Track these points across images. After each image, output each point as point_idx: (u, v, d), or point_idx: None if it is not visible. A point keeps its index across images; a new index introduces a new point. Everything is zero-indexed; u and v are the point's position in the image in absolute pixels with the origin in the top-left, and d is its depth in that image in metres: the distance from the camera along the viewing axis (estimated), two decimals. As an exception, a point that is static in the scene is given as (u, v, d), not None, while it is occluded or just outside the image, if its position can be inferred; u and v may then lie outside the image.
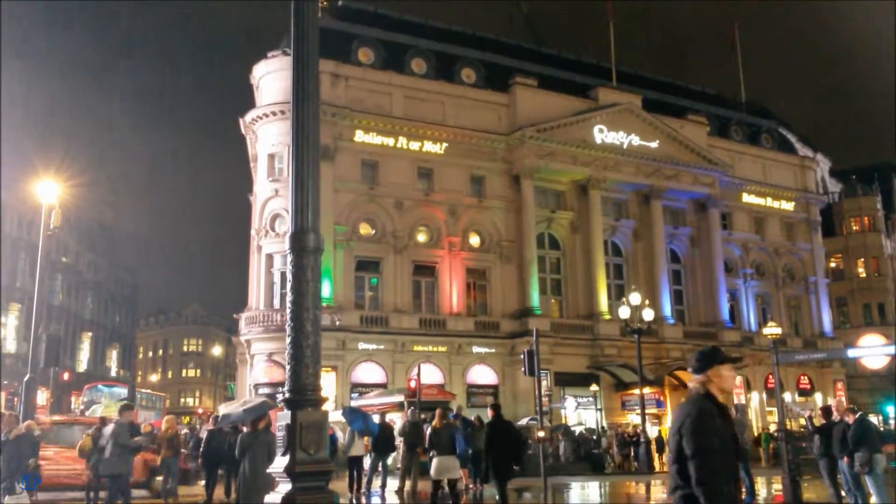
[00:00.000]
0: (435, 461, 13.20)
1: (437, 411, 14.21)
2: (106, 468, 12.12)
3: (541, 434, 20.27)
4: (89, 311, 62.36)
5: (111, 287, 68.83)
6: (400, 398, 26.80)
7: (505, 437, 12.88)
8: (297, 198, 6.58)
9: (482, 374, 35.83)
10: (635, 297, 30.25)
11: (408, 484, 17.06)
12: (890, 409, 46.76)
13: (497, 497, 12.85)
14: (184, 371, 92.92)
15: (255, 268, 35.55)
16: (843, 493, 12.45)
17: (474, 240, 37.30)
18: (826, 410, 13.91)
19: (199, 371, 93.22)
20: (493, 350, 35.77)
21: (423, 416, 19.61)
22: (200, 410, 67.68)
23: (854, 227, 57.66)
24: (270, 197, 34.81)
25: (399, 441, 18.46)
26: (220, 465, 15.57)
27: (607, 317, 37.49)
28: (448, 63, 38.63)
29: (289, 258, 6.55)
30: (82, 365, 58.70)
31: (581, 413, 36.95)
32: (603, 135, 39.59)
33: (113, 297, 69.32)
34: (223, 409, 12.41)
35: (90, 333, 61.45)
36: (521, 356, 21.33)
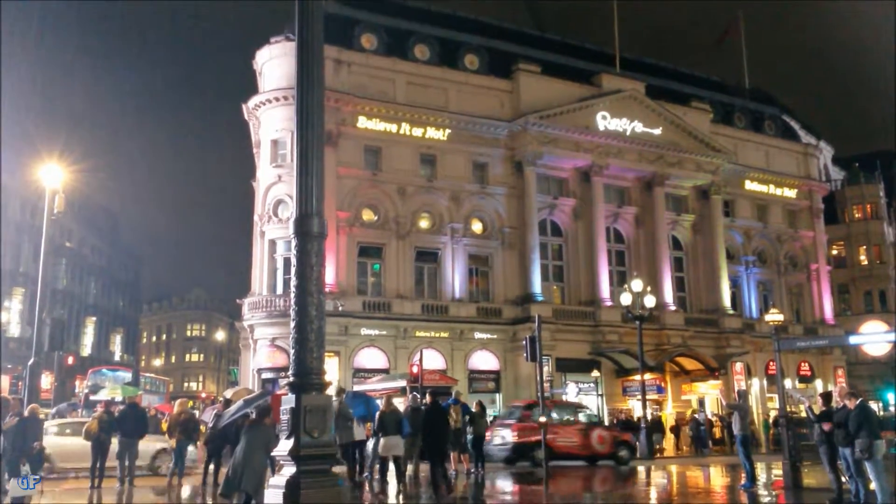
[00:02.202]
0: (382, 440, 14.58)
1: (385, 397, 15.72)
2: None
3: (542, 419, 20.37)
4: (93, 295, 62.59)
5: (115, 272, 69.03)
6: (402, 383, 26.97)
7: (441, 422, 14.58)
8: (301, 183, 6.63)
9: (484, 360, 35.97)
10: (637, 284, 30.30)
11: (409, 468, 17.18)
12: (890, 396, 46.93)
13: (433, 474, 14.17)
14: (187, 356, 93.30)
15: (258, 253, 35.62)
16: (843, 479, 12.54)
17: (476, 226, 37.34)
18: (826, 396, 13.99)
19: (202, 356, 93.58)
20: (495, 336, 35.89)
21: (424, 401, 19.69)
22: (204, 395, 67.97)
23: (856, 215, 57.59)
24: (273, 183, 34.83)
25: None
26: (224, 448, 15.72)
27: (609, 303, 37.56)
28: (451, 49, 38.51)
29: (293, 243, 6.62)
30: (86, 349, 58.99)
31: (582, 399, 37.07)
32: (606, 121, 39.50)
33: (116, 281, 69.53)
34: (228, 394, 12.55)
35: (94, 318, 61.71)
36: (523, 342, 21.38)
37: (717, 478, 20.05)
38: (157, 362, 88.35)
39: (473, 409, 19.50)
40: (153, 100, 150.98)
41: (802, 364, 45.09)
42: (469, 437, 19.00)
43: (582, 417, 23.29)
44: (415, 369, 25.52)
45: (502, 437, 21.63)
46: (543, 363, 21.94)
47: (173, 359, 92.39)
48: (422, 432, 14.66)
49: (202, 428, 18.62)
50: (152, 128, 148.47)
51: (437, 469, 14.21)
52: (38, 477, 11.78)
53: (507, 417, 23.46)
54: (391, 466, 16.07)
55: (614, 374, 37.56)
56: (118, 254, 70.46)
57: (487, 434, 20.55)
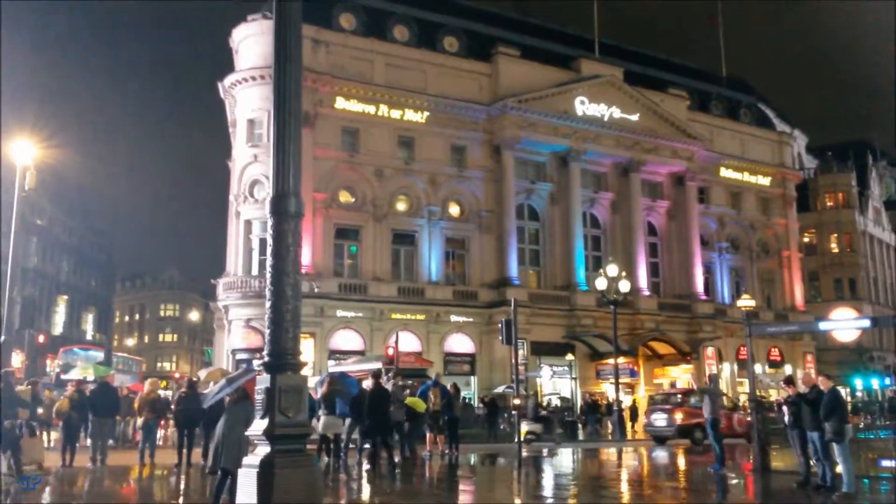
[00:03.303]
0: (323, 419, 14.98)
1: (327, 380, 15.80)
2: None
3: (516, 402, 20.53)
4: (65, 274, 61.77)
5: (87, 250, 68.12)
6: (377, 365, 26.93)
7: (384, 402, 15.28)
8: (277, 162, 6.58)
9: (460, 343, 36.13)
10: (612, 269, 30.53)
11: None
12: (857, 382, 47.89)
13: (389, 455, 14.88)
14: (161, 336, 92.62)
15: (234, 234, 35.37)
16: (811, 463, 12.78)
17: (454, 209, 37.35)
18: (788, 380, 14.26)
19: (176, 336, 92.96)
20: (471, 319, 36.03)
21: (401, 383, 19.75)
22: (177, 375, 67.53)
23: (828, 203, 58.41)
24: (249, 163, 34.53)
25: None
26: (193, 427, 15.76)
27: (584, 288, 37.83)
28: (430, 31, 38.29)
29: (269, 222, 6.57)
30: (58, 328, 58.27)
31: (556, 382, 37.45)
32: (584, 107, 39.59)
33: (88, 260, 68.64)
34: (202, 374, 12.54)
35: (66, 297, 60.93)
36: (499, 325, 21.46)
37: (687, 459, 20.34)
38: (130, 342, 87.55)
39: (450, 392, 19.56)
40: (127, 76, 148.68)
41: (773, 349, 45.82)
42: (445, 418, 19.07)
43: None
44: (390, 351, 25.58)
45: (665, 420, 24.18)
46: (518, 346, 22.02)
47: (146, 339, 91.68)
48: (366, 413, 15.08)
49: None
50: (125, 105, 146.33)
51: (385, 446, 14.99)
52: (38, 477, 11.70)
53: (665, 403, 25.50)
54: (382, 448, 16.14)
55: (588, 358, 37.92)
56: (90, 232, 69.50)
57: (645, 416, 24.30)
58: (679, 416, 24.03)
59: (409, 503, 11.97)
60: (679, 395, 25.83)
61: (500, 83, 37.96)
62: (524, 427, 26.30)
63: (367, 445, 15.97)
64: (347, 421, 16.00)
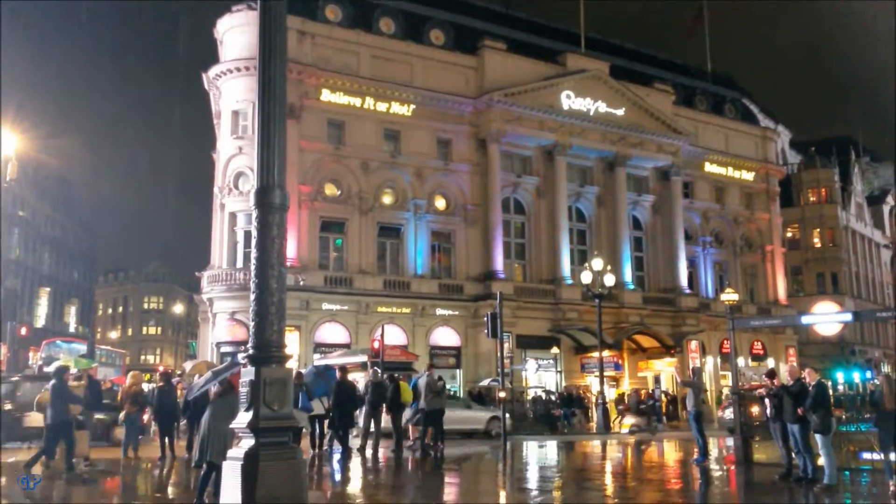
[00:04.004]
0: None
1: (296, 373, 15.86)
2: None
3: (502, 394, 20.64)
4: (47, 266, 61.28)
5: (69, 242, 67.58)
6: (363, 358, 26.96)
7: (349, 396, 15.75)
8: (262, 154, 6.54)
9: (445, 336, 36.15)
10: (597, 263, 30.64)
11: (369, 442, 17.25)
12: (839, 376, 48.32)
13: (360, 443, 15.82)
14: (144, 328, 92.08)
15: (218, 226, 35.18)
16: (793, 455, 12.90)
17: (440, 203, 37.32)
18: (771, 374, 14.38)
19: (160, 329, 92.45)
20: (457, 312, 36.06)
21: (385, 376, 19.76)
22: (161, 368, 67.18)
23: (811, 199, 58.89)
24: (234, 155, 34.32)
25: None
26: (175, 420, 15.80)
27: (570, 281, 37.95)
28: (417, 23, 38.16)
29: (254, 214, 6.53)
30: (40, 320, 57.79)
31: (541, 375, 37.56)
32: (570, 101, 39.64)
33: (71, 252, 68.10)
34: (187, 366, 12.52)
35: (48, 289, 60.43)
36: (484, 319, 21.58)
37: (671, 452, 20.51)
38: (114, 335, 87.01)
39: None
40: (110, 66, 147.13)
41: (755, 343, 46.21)
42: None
43: None
44: (376, 344, 25.51)
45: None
46: (504, 340, 22.11)
47: (130, 331, 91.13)
48: (332, 405, 15.37)
49: None
50: (109, 95, 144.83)
51: (346, 438, 15.77)
52: (38, 477, 11.64)
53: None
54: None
55: (573, 352, 38.06)
56: (73, 224, 68.95)
57: (720, 410, 24.77)
58: (755, 410, 24.37)
59: (391, 494, 11.99)
60: (755, 392, 26.17)
61: (486, 77, 37.93)
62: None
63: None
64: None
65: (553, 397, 31.54)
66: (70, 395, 13.65)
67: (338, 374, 16.35)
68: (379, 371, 19.91)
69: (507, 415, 23.20)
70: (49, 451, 13.48)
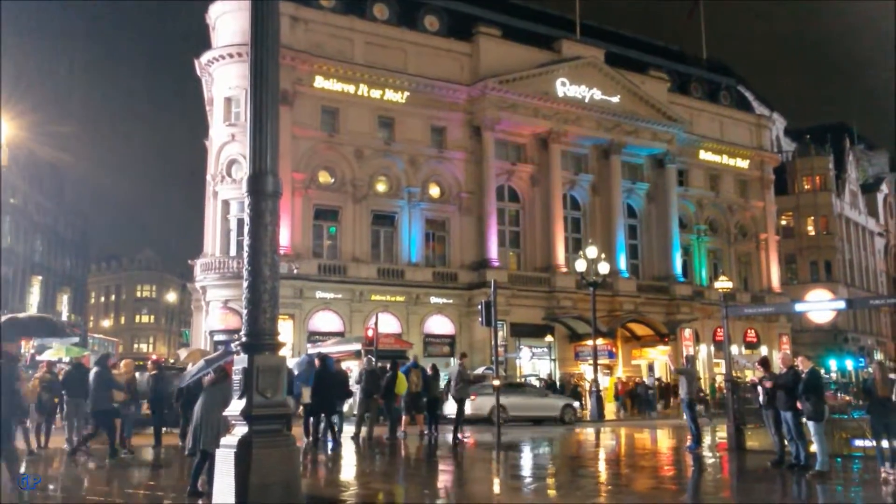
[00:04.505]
0: None
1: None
2: None
3: (496, 383, 20.63)
4: (39, 254, 60.97)
5: (61, 230, 67.24)
6: (357, 346, 26.97)
7: (329, 383, 15.81)
8: (255, 140, 6.48)
9: (439, 325, 36.16)
10: (592, 251, 30.64)
11: (363, 430, 17.28)
12: (832, 363, 48.63)
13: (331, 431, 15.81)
14: (137, 317, 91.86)
15: (211, 214, 35.04)
16: (785, 442, 12.96)
17: (434, 190, 37.24)
18: (764, 362, 14.44)
19: (153, 317, 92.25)
20: (451, 301, 36.06)
21: (380, 364, 19.77)
22: (154, 357, 67.12)
23: (806, 186, 58.97)
24: (227, 142, 34.15)
25: (355, 388, 18.62)
26: (163, 409, 15.83)
27: (564, 270, 37.97)
28: (411, 9, 37.93)
29: (246, 201, 6.48)
30: (32, 309, 57.50)
31: (535, 363, 37.66)
32: (565, 88, 39.52)
33: (63, 240, 67.78)
34: (181, 354, 12.53)
35: (40, 277, 60.14)
36: (479, 307, 21.47)
37: (664, 440, 20.59)
38: (106, 323, 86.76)
39: (429, 373, 19.61)
40: (101, 51, 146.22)
41: (749, 331, 46.38)
42: (423, 399, 19.16)
43: None
44: (370, 333, 25.50)
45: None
46: (498, 328, 22.09)
47: (123, 320, 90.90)
48: (312, 392, 15.47)
49: None
50: (100, 81, 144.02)
51: (331, 424, 15.84)
52: (38, 477, 11.61)
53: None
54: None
55: (567, 340, 38.14)
56: (64, 212, 68.55)
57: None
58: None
59: (385, 480, 12.00)
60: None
61: (480, 63, 37.77)
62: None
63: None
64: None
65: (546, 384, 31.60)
66: (113, 383, 13.90)
67: (316, 362, 16.40)
68: (373, 359, 19.90)
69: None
70: (91, 437, 13.81)
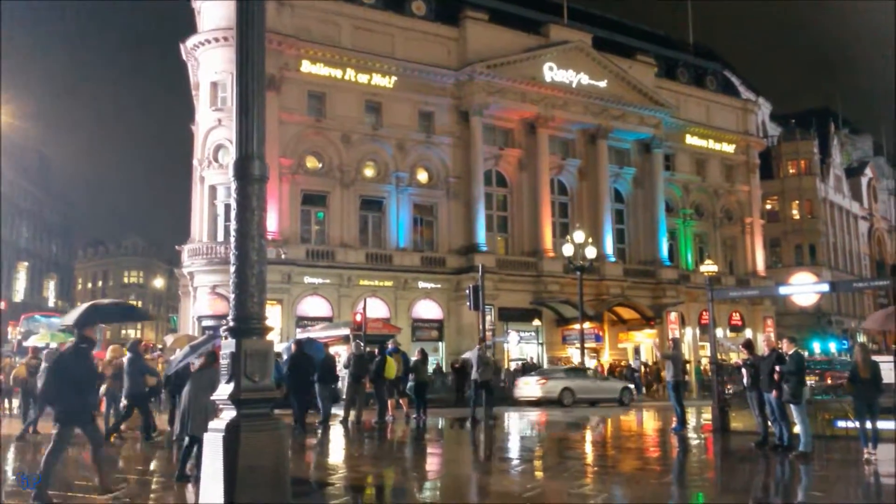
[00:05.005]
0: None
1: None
2: None
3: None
4: (25, 240, 60.58)
5: (47, 216, 66.79)
6: (345, 331, 27.02)
7: (304, 368, 15.89)
8: (241, 124, 6.47)
9: (427, 309, 36.26)
10: (579, 236, 30.77)
11: (352, 414, 17.37)
12: (815, 346, 49.11)
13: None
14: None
15: (198, 199, 34.87)
16: (769, 423, 13.13)
17: (422, 175, 37.21)
18: (748, 344, 14.60)
19: (140, 303, 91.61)
20: (439, 285, 36.14)
21: (368, 349, 19.86)
22: (143, 343, 66.83)
23: (791, 171, 59.27)
24: (213, 127, 33.93)
25: (343, 372, 18.72)
26: (150, 397, 15.90)
27: (551, 254, 38.10)
28: (398, -7, 37.68)
29: (233, 186, 6.47)
30: (19, 295, 57.28)
31: (523, 347, 37.86)
32: (553, 73, 39.48)
33: (49, 226, 67.37)
34: (168, 340, 12.59)
35: (26, 263, 59.82)
36: (467, 291, 21.69)
37: (650, 421, 20.80)
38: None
39: (416, 357, 19.75)
40: (86, 36, 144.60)
41: (734, 314, 46.77)
42: (410, 383, 19.31)
43: None
44: (358, 318, 25.56)
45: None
46: (486, 312, 22.29)
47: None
48: (286, 377, 15.61)
49: None
50: (85, 66, 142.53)
51: (303, 410, 15.91)
52: (39, 477, 11.64)
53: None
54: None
55: (555, 324, 38.33)
56: (50, 198, 68.07)
57: None
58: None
59: (373, 464, 12.08)
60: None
61: (468, 48, 37.66)
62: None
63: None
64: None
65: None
66: (146, 367, 14.31)
67: (293, 346, 16.48)
68: (361, 344, 19.98)
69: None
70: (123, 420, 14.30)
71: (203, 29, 34.70)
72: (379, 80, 35.84)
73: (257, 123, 6.49)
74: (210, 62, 34.11)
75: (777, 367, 12.32)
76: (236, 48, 6.58)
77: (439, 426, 18.56)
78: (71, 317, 11.52)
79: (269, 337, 6.76)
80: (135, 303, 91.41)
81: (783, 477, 10.88)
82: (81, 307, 11.95)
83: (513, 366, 33.93)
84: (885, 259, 70.63)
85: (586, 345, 32.39)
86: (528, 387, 25.35)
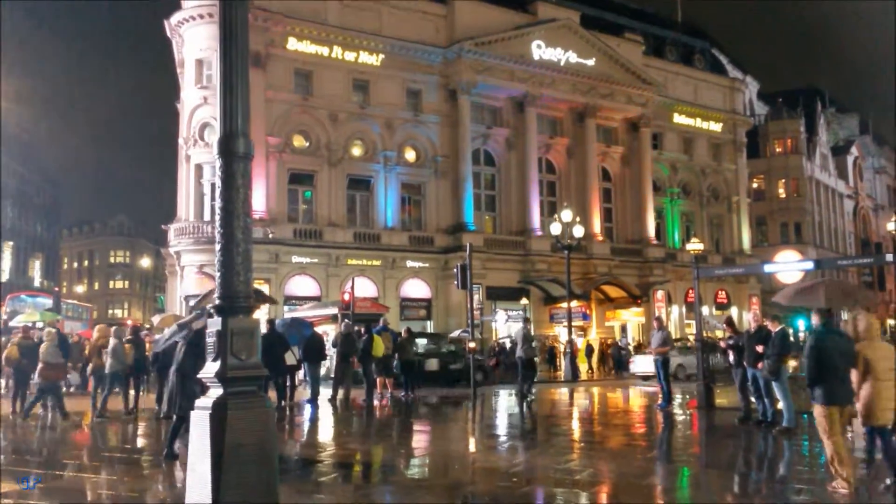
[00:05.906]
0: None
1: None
2: None
3: (471, 345, 20.89)
4: (9, 219, 60.05)
5: (31, 195, 66.20)
6: (334, 311, 27.04)
7: (275, 346, 15.73)
8: (225, 101, 6.40)
9: (416, 288, 36.30)
10: (567, 214, 30.80)
11: (340, 392, 17.44)
12: (800, 323, 49.58)
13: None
14: (111, 283, 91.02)
15: (184, 178, 34.64)
16: (752, 400, 13.31)
17: (410, 154, 37.08)
18: (729, 321, 14.77)
19: (127, 283, 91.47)
20: (427, 264, 36.16)
21: (356, 328, 19.89)
22: (130, 322, 66.74)
23: (777, 149, 59.49)
24: (199, 105, 33.63)
25: (331, 351, 18.76)
26: (138, 375, 15.96)
27: (539, 233, 38.16)
28: (385, -31, 37.28)
29: (217, 164, 6.42)
30: (4, 275, 56.84)
31: (511, 326, 37.97)
32: (541, 51, 39.32)
33: (33, 205, 66.80)
34: (155, 320, 12.60)
35: (11, 243, 59.33)
36: (455, 270, 21.65)
37: (636, 398, 21.00)
38: (80, 289, 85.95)
39: (403, 336, 19.81)
40: (69, 13, 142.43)
41: (720, 292, 47.11)
42: (395, 362, 19.41)
43: None
44: (346, 297, 25.56)
45: None
46: (474, 291, 22.32)
47: (97, 286, 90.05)
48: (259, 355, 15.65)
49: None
50: (69, 43, 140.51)
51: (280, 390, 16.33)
52: (38, 476, 11.64)
53: None
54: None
55: (542, 302, 38.48)
56: (34, 177, 67.42)
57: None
58: None
59: (360, 441, 12.16)
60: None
61: (456, 26, 37.40)
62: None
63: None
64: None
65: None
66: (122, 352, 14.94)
67: (266, 325, 16.50)
68: (350, 323, 20.01)
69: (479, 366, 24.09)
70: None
71: (187, 5, 34.26)
72: (366, 57, 35.58)
73: (242, 100, 6.43)
74: (194, 39, 33.75)
75: (759, 346, 12.49)
76: (220, 24, 6.50)
77: (432, 402, 18.66)
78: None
79: (256, 315, 6.76)
80: (122, 283, 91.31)
81: (766, 451, 11.03)
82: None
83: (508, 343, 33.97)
84: (870, 237, 71.16)
85: (574, 323, 32.55)
86: (645, 362, 26.33)
